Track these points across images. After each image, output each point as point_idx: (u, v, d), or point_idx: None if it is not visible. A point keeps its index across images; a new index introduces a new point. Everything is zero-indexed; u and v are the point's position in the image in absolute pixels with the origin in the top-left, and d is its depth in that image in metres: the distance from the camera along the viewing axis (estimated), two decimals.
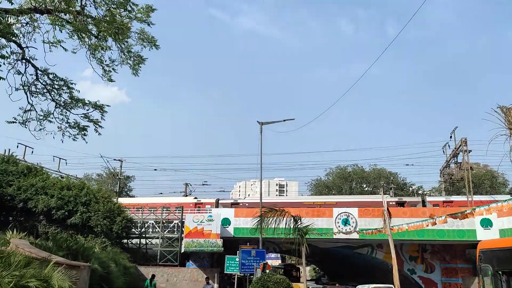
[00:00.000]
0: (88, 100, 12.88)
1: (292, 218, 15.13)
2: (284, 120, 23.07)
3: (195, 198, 38.50)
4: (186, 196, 45.72)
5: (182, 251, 27.92)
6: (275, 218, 14.99)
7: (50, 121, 12.32)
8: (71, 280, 7.67)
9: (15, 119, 11.89)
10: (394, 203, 34.19)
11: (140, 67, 14.73)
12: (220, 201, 36.32)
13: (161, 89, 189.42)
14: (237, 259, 24.37)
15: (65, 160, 41.92)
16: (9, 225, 22.49)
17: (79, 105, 12.85)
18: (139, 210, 30.99)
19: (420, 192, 56.22)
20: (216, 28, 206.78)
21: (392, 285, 25.21)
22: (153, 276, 18.74)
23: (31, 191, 26.48)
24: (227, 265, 24.70)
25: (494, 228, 26.52)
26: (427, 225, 23.22)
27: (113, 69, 14.03)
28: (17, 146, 38.93)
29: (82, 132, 12.98)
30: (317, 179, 61.52)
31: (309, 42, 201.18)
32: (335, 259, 39.97)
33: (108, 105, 13.07)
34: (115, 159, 37.75)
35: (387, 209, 10.47)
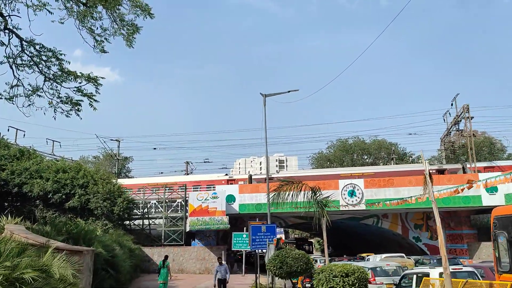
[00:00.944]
0: (81, 72, 11.76)
1: (310, 190, 14.20)
2: (289, 91, 21.97)
3: (226, 174, 37.59)
4: (188, 174, 44.95)
5: (187, 230, 27.31)
6: (291, 192, 14.05)
7: (40, 96, 11.22)
8: (74, 267, 6.83)
9: (0, 94, 10.80)
10: (434, 171, 33.27)
11: (135, 37, 13.51)
12: (253, 177, 35.44)
13: (155, 67, 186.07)
14: (244, 236, 23.88)
15: (59, 142, 40.89)
16: (4, 211, 21.64)
17: (70, 78, 11.72)
18: (140, 191, 30.20)
19: (420, 161, 55.78)
20: (208, 1, 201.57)
21: (403, 254, 24.95)
22: (166, 257, 17.99)
23: (25, 175, 25.50)
24: (235, 241, 24.22)
25: (500, 193, 26.14)
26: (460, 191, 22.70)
27: (106, 38, 12.84)
28: (8, 130, 37.84)
29: (76, 108, 11.91)
30: (319, 152, 60.95)
31: (304, 13, 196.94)
32: (340, 230, 39.74)
33: (102, 77, 11.95)
34: (112, 139, 36.65)
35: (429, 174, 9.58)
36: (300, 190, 14.05)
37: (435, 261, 20.84)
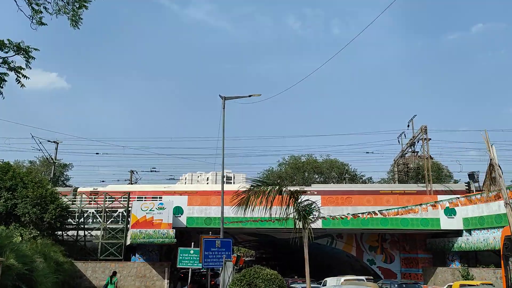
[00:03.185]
0: (9, 40, 9.56)
1: (290, 195, 12.46)
2: (250, 96, 20.57)
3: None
4: (132, 184, 41.77)
5: (128, 243, 24.60)
6: (265, 197, 12.16)
7: None
8: None
9: None
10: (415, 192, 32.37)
11: (82, 18, 11.48)
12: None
13: (105, 77, 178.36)
14: (191, 251, 21.75)
15: None
16: None
17: None
18: (75, 198, 27.13)
19: (369, 182, 56.61)
20: (165, 17, 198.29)
21: (363, 277, 23.99)
22: (115, 272, 16.65)
23: None
24: (180, 258, 21.94)
25: (458, 216, 26.15)
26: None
27: (45, 7, 10.72)
28: None
29: None
30: (269, 169, 60.13)
31: (258, 36, 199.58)
32: (288, 250, 38.50)
33: (36, 49, 9.82)
34: (49, 141, 33.04)
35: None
36: (278, 194, 12.22)
37: (396, 286, 20.02)
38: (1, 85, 9.65)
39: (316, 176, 59.88)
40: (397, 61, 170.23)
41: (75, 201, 26.92)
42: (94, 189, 31.79)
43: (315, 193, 28.37)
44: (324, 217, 26.76)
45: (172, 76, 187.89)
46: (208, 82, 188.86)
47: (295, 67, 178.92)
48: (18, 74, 9.71)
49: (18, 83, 9.69)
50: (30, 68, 9.87)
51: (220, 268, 18.13)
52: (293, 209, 12.08)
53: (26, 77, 9.87)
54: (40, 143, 32.04)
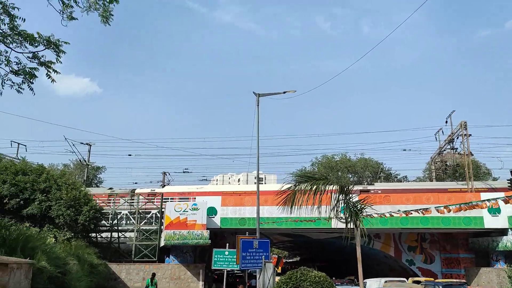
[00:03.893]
0: (38, 33, 9.18)
1: (339, 190, 11.51)
2: (284, 92, 19.73)
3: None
4: (164, 186, 41.77)
5: (162, 244, 24.29)
6: (312, 192, 11.17)
7: None
8: None
9: None
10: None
11: (112, 14, 11.03)
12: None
13: (135, 81, 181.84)
14: (226, 253, 21.12)
15: (25, 145, 37.23)
16: None
17: (23, 41, 9.10)
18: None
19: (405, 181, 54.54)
20: (194, 21, 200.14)
21: (405, 279, 22.72)
22: (154, 274, 17.72)
23: None
24: (215, 259, 21.33)
25: (503, 214, 24.54)
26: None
27: (75, 1, 10.32)
28: None
29: (29, 80, 9.25)
30: (302, 169, 58.98)
31: (286, 36, 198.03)
32: (326, 251, 37.37)
33: (67, 42, 9.40)
34: (82, 143, 33.39)
35: None
36: (326, 189, 11.22)
37: (441, 287, 18.72)
38: (32, 80, 9.29)
39: (350, 176, 58.38)
40: (429, 58, 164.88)
41: (109, 203, 26.92)
42: (151, 190, 31.62)
43: (379, 191, 27.02)
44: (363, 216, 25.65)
45: (201, 78, 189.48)
46: (237, 83, 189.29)
47: (325, 67, 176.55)
48: (49, 69, 9.33)
49: (48, 77, 9.31)
50: (61, 62, 9.48)
51: (258, 270, 17.39)
52: (344, 205, 11.00)
53: (57, 72, 9.48)
54: (73, 145, 32.41)
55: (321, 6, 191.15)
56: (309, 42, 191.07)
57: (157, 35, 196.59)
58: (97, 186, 53.03)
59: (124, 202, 27.05)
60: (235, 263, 20.67)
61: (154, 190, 31.16)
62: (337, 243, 32.31)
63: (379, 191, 27.59)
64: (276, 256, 11.87)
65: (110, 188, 32.61)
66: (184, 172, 45.30)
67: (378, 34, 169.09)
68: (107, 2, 10.66)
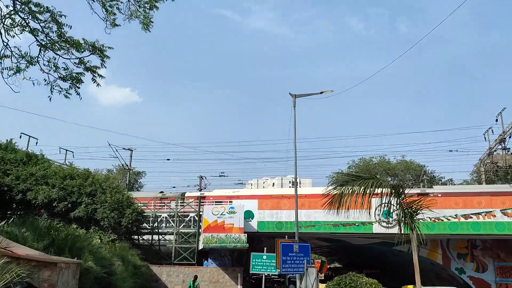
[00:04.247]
0: (84, 39, 9.52)
1: (391, 190, 10.81)
2: (321, 92, 19.49)
3: None
4: (201, 190, 42.36)
5: (200, 247, 24.53)
6: (360, 193, 10.62)
7: (30, 61, 8.98)
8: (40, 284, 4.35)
9: None
10: None
11: (152, 21, 11.31)
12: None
13: (172, 89, 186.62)
14: (264, 257, 20.97)
15: (72, 152, 39.00)
16: (7, 219, 19.54)
17: (70, 47, 9.47)
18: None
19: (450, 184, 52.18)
20: (228, 28, 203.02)
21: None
22: (196, 276, 18.36)
23: (30, 180, 23.47)
24: (253, 263, 21.24)
25: None
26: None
27: (118, 8, 10.65)
28: (20, 136, 36.08)
29: (76, 85, 9.61)
30: (338, 172, 57.72)
31: (319, 39, 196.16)
32: (366, 257, 36.30)
33: (110, 47, 9.69)
34: (124, 148, 34.59)
35: None
36: (377, 188, 10.49)
37: None
38: (79, 85, 9.66)
39: (390, 179, 56.59)
40: (472, 55, 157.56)
41: (144, 206, 27.51)
42: (201, 193, 32.21)
43: (439, 195, 25.86)
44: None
45: (236, 84, 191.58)
46: (271, 88, 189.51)
47: (360, 69, 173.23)
48: (94, 74, 9.66)
49: (93, 82, 9.63)
50: (105, 67, 9.80)
51: (298, 275, 17.10)
52: (396, 207, 10.32)
53: (102, 77, 9.80)
54: (116, 150, 33.59)
55: (354, 7, 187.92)
56: (343, 45, 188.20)
57: (193, 44, 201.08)
58: (138, 190, 54.61)
59: (163, 205, 27.55)
60: (273, 268, 20.48)
61: (203, 193, 31.44)
62: (377, 249, 31.29)
63: (439, 195, 26.29)
64: (320, 260, 11.35)
65: (161, 192, 33.37)
66: (220, 176, 45.76)
67: (416, 32, 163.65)
68: (147, 9, 10.94)
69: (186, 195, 30.77)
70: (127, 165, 35.95)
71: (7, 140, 26.01)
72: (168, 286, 23.85)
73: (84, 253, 9.72)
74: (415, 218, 10.18)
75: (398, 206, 10.24)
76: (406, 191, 10.75)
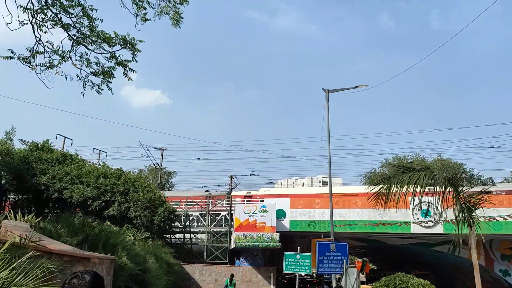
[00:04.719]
0: (115, 32, 9.36)
1: (447, 182, 9.72)
2: (356, 87, 18.76)
3: None
4: (231, 189, 42.20)
5: (232, 246, 24.28)
6: (412, 186, 9.67)
7: (62, 57, 8.90)
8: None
9: (13, 53, 8.60)
10: None
11: (182, 17, 11.08)
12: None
13: (201, 90, 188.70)
14: (298, 256, 20.47)
15: (105, 152, 39.79)
16: (44, 218, 20.04)
17: (101, 42, 9.34)
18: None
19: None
20: (254, 29, 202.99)
21: None
22: (233, 275, 18.53)
23: (66, 180, 24.02)
24: (286, 263, 20.77)
25: None
26: None
27: (148, 2, 10.47)
28: (56, 137, 37.11)
29: (108, 79, 9.47)
30: (371, 171, 56.36)
31: (348, 38, 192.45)
32: (402, 258, 35.00)
33: (142, 41, 9.49)
34: (155, 148, 34.92)
35: None
36: (430, 179, 9.40)
37: None
38: (110, 80, 9.52)
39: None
40: (509, 49, 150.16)
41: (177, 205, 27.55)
42: (247, 193, 32.08)
43: (503, 193, 24.54)
44: (447, 220, 23.56)
45: (266, 85, 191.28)
46: (300, 87, 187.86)
47: (392, 66, 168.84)
48: (125, 68, 9.49)
49: (125, 76, 9.45)
50: (136, 61, 9.60)
51: (333, 275, 16.48)
52: (453, 202, 9.26)
53: (133, 71, 9.62)
54: (148, 150, 33.94)
55: (384, 3, 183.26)
56: (373, 42, 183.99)
57: (221, 45, 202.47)
58: (169, 190, 55.23)
59: (194, 204, 27.49)
60: (307, 267, 19.92)
61: (250, 192, 31.14)
62: (414, 250, 30.08)
63: (503, 193, 24.83)
64: (361, 260, 10.54)
65: (207, 191, 33.41)
66: (250, 175, 45.48)
67: (449, 28, 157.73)
68: (177, 3, 10.69)
69: (232, 194, 30.51)
70: (158, 165, 36.30)
71: (43, 141, 26.78)
72: (200, 285, 23.75)
73: (118, 249, 9.56)
74: (474, 214, 9.14)
75: (454, 200, 9.26)
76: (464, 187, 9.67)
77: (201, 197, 28.33)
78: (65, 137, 37.34)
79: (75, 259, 5.30)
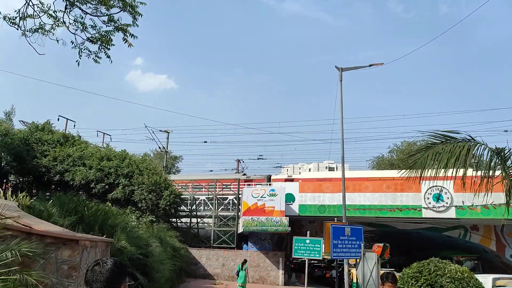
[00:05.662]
0: None
1: (495, 154, 8.56)
2: (370, 65, 17.75)
3: None
4: (238, 173, 41.54)
5: (240, 231, 23.66)
6: (453, 157, 8.65)
7: (54, 18, 8.02)
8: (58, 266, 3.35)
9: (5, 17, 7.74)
10: None
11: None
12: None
13: (208, 74, 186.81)
14: (307, 241, 19.87)
15: (110, 135, 39.11)
16: (46, 201, 19.45)
17: (98, 4, 8.42)
18: (188, 185, 27.07)
19: None
20: (263, 13, 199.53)
21: None
22: (245, 260, 18.46)
23: (68, 161, 23.37)
24: (296, 248, 20.17)
25: None
26: None
27: None
28: (58, 119, 36.34)
29: (106, 46, 8.60)
30: (379, 156, 55.48)
31: (359, 23, 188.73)
32: (413, 243, 34.30)
33: (143, 3, 8.56)
34: (161, 131, 34.17)
35: None
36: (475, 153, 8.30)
37: None
38: (108, 47, 8.65)
39: (433, 163, 53.57)
40: None
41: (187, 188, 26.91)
42: (288, 176, 31.12)
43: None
44: (460, 206, 22.79)
45: (275, 70, 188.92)
46: (308, 74, 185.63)
47: (399, 52, 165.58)
48: (125, 33, 8.61)
49: (125, 42, 8.58)
50: (137, 25, 8.71)
51: (346, 260, 15.80)
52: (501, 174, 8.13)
53: (135, 37, 8.73)
54: (153, 132, 33.20)
55: None
56: (382, 28, 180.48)
57: (228, 30, 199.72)
58: (175, 174, 54.72)
59: (201, 188, 26.82)
60: (317, 252, 19.31)
61: (291, 176, 30.15)
62: (424, 235, 29.37)
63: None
64: (382, 245, 9.73)
65: (244, 174, 32.46)
66: (258, 158, 44.71)
67: (459, 13, 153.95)
68: None
69: (272, 177, 29.68)
70: (164, 148, 35.58)
71: (44, 122, 26.07)
72: (207, 270, 23.24)
73: (117, 231, 8.74)
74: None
75: (503, 173, 8.23)
76: None
77: (237, 180, 27.02)
78: (67, 119, 36.52)
79: (60, 241, 4.53)
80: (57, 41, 7.99)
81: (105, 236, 7.44)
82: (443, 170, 8.28)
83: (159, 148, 36.09)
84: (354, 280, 21.57)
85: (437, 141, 8.48)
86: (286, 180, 26.35)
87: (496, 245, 26.20)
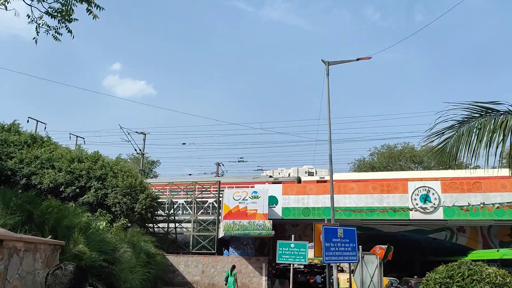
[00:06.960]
0: None
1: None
2: (358, 59, 16.97)
3: None
4: (218, 175, 40.28)
5: (221, 235, 22.43)
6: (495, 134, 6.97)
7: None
8: None
9: None
10: None
11: None
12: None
13: (187, 80, 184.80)
14: (292, 245, 18.85)
15: (83, 138, 37.20)
16: None
17: None
18: (165, 188, 25.68)
19: None
20: (241, 20, 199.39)
21: None
22: (234, 266, 18.26)
23: (35, 164, 21.73)
24: (280, 252, 19.06)
25: None
26: None
27: None
28: (28, 121, 34.31)
29: (67, 19, 7.40)
30: (360, 159, 55.56)
31: (337, 31, 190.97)
32: (399, 245, 33.74)
33: None
34: (137, 132, 32.63)
35: None
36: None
37: None
38: (69, 18, 7.45)
39: (414, 166, 53.90)
40: (496, 39, 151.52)
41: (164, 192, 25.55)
42: (320, 178, 29.52)
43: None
44: (448, 206, 22.29)
45: (255, 75, 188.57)
46: (286, 80, 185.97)
47: (376, 59, 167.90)
48: (90, 3, 7.44)
49: (89, 14, 7.40)
50: None
51: (334, 265, 14.85)
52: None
53: (101, 8, 7.57)
54: (129, 134, 31.65)
55: None
56: (360, 35, 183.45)
57: (206, 35, 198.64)
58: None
59: (180, 191, 25.48)
60: (302, 257, 18.25)
61: (323, 177, 28.94)
62: (409, 237, 28.86)
63: None
64: (385, 247, 8.64)
65: (270, 176, 31.23)
66: (239, 161, 43.57)
67: (433, 20, 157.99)
68: None
69: (303, 179, 28.52)
70: (140, 150, 34.01)
71: (10, 122, 24.31)
72: (186, 277, 21.89)
73: (74, 233, 7.39)
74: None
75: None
76: None
77: (266, 182, 25.94)
78: (37, 121, 34.64)
79: None
80: (15, 14, 6.74)
81: (50, 237, 6.10)
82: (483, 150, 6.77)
83: (136, 151, 34.49)
84: (341, 286, 20.69)
85: (476, 115, 7.03)
86: (318, 182, 25.63)
87: (482, 247, 25.87)
